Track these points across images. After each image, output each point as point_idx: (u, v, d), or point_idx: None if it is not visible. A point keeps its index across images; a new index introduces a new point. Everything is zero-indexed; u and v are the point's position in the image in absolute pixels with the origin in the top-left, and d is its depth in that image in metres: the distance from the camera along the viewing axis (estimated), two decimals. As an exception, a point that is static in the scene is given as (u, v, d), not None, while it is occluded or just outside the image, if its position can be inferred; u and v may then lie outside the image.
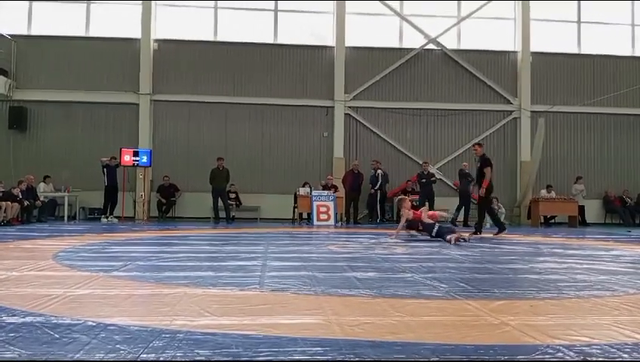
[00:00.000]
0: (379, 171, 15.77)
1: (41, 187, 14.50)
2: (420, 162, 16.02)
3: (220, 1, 16.95)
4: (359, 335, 2.86)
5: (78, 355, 2.43)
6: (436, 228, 9.19)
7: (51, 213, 14.91)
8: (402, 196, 11.12)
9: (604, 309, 3.65)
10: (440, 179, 16.69)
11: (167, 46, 16.62)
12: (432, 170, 16.15)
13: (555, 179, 16.99)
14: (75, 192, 15.14)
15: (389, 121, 17.04)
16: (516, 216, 16.86)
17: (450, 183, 16.58)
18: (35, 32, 16.50)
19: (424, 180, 15.22)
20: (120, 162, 14.92)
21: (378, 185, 15.70)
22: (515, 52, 17.48)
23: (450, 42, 17.34)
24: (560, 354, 2.55)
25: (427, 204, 13.56)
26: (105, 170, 14.68)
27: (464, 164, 15.49)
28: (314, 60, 16.96)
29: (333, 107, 16.75)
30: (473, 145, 11.78)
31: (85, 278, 4.58)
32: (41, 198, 14.07)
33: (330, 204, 14.67)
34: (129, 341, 2.65)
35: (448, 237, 8.77)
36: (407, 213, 9.62)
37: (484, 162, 10.94)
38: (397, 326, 3.06)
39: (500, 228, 11.32)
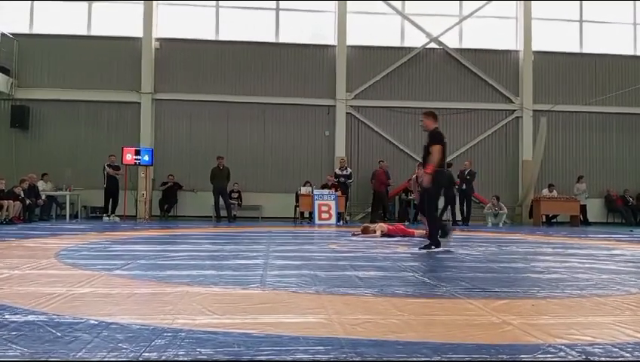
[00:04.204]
0: (348, 170, 15.60)
1: (40, 185, 14.49)
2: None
3: (221, 0, 16.95)
4: (361, 334, 2.86)
5: (80, 354, 2.43)
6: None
7: (47, 212, 14.65)
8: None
9: (605, 308, 3.64)
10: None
11: (168, 45, 16.63)
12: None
13: (556, 179, 16.98)
14: (77, 191, 15.16)
15: (391, 120, 17.04)
16: (518, 215, 16.87)
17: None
18: (37, 30, 16.52)
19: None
20: (122, 160, 14.91)
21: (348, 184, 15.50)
22: (517, 51, 17.46)
23: (451, 41, 17.33)
24: (562, 354, 2.54)
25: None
26: (107, 172, 14.67)
27: (466, 162, 15.56)
28: (316, 59, 16.96)
29: (334, 106, 16.75)
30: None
31: (87, 277, 4.58)
32: (43, 197, 14.07)
33: (332, 203, 14.66)
34: (131, 339, 2.65)
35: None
36: (382, 228, 9.86)
37: (433, 138, 7.57)
38: (399, 325, 3.06)
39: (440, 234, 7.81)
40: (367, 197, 16.23)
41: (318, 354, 2.47)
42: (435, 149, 7.40)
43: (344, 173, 15.52)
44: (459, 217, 15.22)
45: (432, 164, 7.36)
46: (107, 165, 14.76)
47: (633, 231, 12.96)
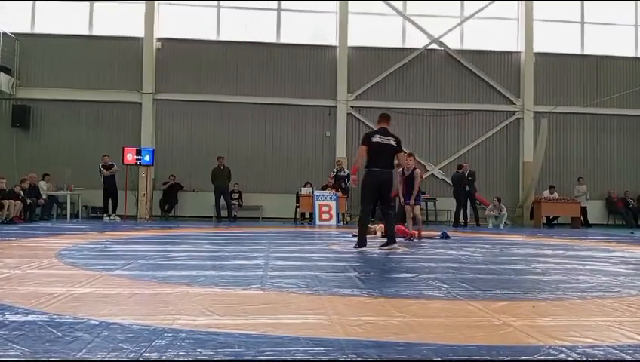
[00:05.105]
0: (345, 171, 15.47)
1: (42, 185, 14.50)
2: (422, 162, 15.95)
3: (222, 1, 16.95)
4: (361, 335, 2.86)
5: (80, 354, 2.43)
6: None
7: (48, 212, 14.55)
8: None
9: (606, 310, 3.64)
10: (442, 179, 16.71)
11: (170, 45, 16.63)
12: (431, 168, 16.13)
13: (557, 180, 16.96)
14: (78, 191, 15.16)
15: (392, 122, 16.91)
16: (519, 216, 16.84)
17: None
18: (38, 30, 16.52)
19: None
20: (123, 160, 14.91)
21: (346, 185, 15.30)
22: (518, 52, 17.45)
23: (453, 42, 17.31)
24: (562, 356, 2.54)
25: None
26: (102, 173, 14.70)
27: (465, 164, 15.52)
28: (317, 60, 16.95)
29: (335, 107, 16.74)
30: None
31: (88, 277, 4.58)
32: (44, 197, 14.07)
33: (333, 204, 14.65)
34: (131, 340, 2.65)
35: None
36: (382, 228, 9.92)
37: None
38: (399, 327, 3.06)
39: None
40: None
41: (319, 355, 2.47)
42: (359, 149, 7.84)
43: (342, 173, 15.46)
44: (462, 218, 15.20)
45: (354, 166, 7.62)
46: (101, 166, 14.78)
47: (634, 233, 12.95)
